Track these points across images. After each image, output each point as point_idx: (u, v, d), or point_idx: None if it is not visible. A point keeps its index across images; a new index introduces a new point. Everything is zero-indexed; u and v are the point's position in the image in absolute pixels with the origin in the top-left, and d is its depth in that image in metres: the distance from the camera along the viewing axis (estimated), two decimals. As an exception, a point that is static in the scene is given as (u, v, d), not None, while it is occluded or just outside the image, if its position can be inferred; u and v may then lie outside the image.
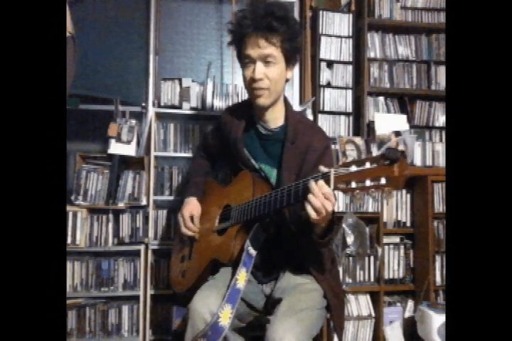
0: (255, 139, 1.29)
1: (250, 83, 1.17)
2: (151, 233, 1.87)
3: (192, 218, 1.35)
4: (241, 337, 1.18)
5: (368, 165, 0.81)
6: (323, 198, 0.90)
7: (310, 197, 0.91)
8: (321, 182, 0.90)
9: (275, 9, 1.12)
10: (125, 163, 1.95)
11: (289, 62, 1.19)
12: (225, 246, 1.19)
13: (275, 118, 1.26)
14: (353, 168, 0.83)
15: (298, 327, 1.00)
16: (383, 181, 0.77)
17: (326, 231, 1.04)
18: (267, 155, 1.27)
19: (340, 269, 1.90)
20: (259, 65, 1.15)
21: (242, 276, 1.09)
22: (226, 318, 1.03)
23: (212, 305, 1.07)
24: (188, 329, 1.09)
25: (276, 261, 1.23)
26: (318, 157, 1.18)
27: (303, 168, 1.18)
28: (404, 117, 2.19)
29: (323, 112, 2.13)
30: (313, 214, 0.93)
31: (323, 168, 0.92)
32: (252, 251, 1.14)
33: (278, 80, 1.18)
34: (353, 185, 0.83)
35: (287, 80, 1.25)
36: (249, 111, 1.31)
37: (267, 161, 1.26)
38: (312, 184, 0.91)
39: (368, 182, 0.80)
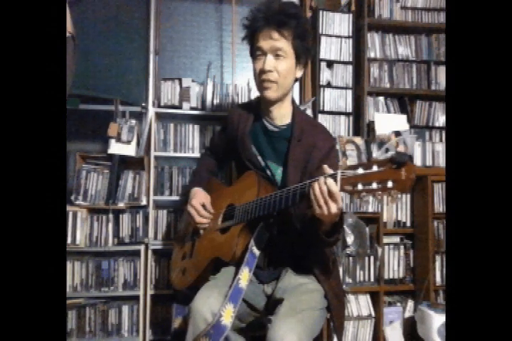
0: (262, 136, 1.29)
1: (260, 75, 1.20)
2: (151, 233, 1.87)
3: (204, 206, 1.32)
4: (241, 336, 1.18)
5: (375, 168, 0.81)
6: (327, 196, 0.91)
7: (316, 193, 0.92)
8: (330, 180, 0.91)
9: (287, 7, 1.18)
10: (125, 163, 1.95)
11: (299, 59, 1.22)
12: (227, 245, 1.19)
13: (282, 116, 1.27)
14: (360, 171, 0.84)
15: (299, 327, 1.00)
16: (390, 184, 0.78)
17: (332, 231, 1.04)
18: (273, 152, 1.27)
19: (340, 269, 1.90)
20: (270, 57, 1.18)
21: (245, 276, 1.09)
22: (228, 317, 1.03)
23: (213, 305, 1.07)
24: (189, 329, 1.09)
25: (279, 261, 1.23)
26: (322, 156, 1.19)
27: (307, 167, 1.19)
28: (404, 117, 2.20)
29: (323, 112, 2.13)
30: (318, 211, 0.94)
31: (327, 168, 0.93)
32: (256, 251, 1.14)
33: (287, 75, 1.20)
34: (360, 187, 0.83)
35: (296, 80, 1.27)
36: (256, 108, 1.32)
37: (272, 158, 1.27)
38: (320, 180, 0.92)
39: (374, 185, 0.81)
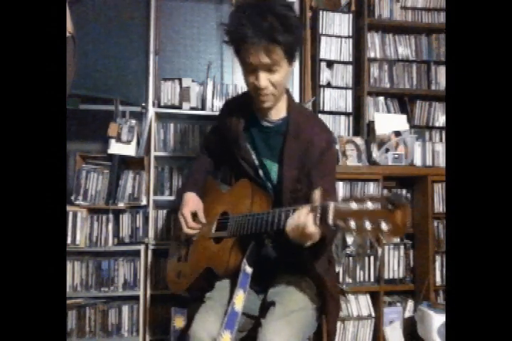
0: (256, 132, 1.22)
1: (255, 90, 1.11)
2: (151, 233, 1.87)
3: (194, 215, 1.28)
4: None
5: (369, 204, 0.77)
6: (301, 232, 0.88)
7: (291, 224, 0.91)
8: (308, 217, 0.87)
9: (276, 17, 1.00)
10: (125, 163, 1.95)
11: (291, 60, 1.11)
12: (220, 258, 1.16)
13: (277, 111, 1.20)
14: (354, 205, 0.78)
15: (287, 330, 0.99)
16: (384, 227, 0.73)
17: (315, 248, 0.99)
18: (268, 148, 1.21)
19: (340, 269, 1.90)
20: (262, 75, 1.07)
21: (240, 298, 1.06)
22: None
23: (211, 329, 1.04)
24: None
25: (272, 273, 1.21)
26: (320, 153, 1.14)
27: (305, 164, 1.14)
28: (404, 117, 2.19)
29: (323, 112, 2.13)
30: (291, 237, 0.92)
31: (317, 194, 0.88)
32: (249, 270, 1.11)
33: (282, 82, 1.11)
34: (352, 224, 0.78)
35: None
36: (249, 103, 1.23)
37: (268, 155, 1.21)
38: (303, 211, 0.89)
39: (367, 225, 0.76)
